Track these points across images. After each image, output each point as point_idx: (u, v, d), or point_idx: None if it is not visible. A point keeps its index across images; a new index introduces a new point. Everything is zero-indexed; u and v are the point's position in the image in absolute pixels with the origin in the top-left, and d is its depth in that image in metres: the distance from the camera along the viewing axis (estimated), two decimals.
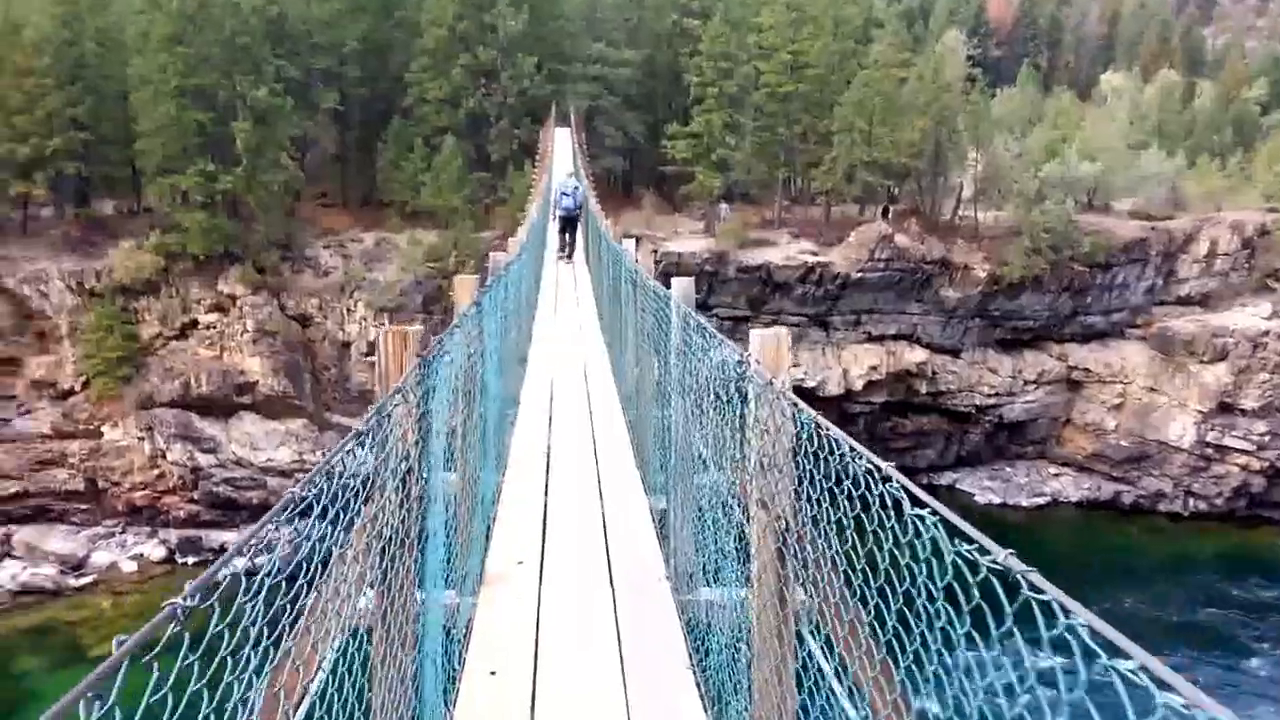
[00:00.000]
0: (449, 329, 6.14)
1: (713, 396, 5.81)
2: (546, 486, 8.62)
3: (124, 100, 44.39)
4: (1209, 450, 48.30)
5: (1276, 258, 51.38)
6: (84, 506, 39.50)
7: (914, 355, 49.62)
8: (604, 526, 7.69)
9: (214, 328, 41.69)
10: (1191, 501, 48.51)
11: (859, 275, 47.79)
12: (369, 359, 42.70)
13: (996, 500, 49.14)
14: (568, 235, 25.49)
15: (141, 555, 38.88)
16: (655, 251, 43.41)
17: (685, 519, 6.78)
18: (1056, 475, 51.26)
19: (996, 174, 52.51)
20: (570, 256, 25.52)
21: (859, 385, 48.34)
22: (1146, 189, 56.30)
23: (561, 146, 44.60)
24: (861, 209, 52.38)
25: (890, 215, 51.41)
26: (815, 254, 48.20)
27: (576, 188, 25.09)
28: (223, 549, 39.51)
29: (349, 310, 42.93)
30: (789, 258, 47.55)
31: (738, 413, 4.98)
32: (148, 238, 41.84)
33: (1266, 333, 47.88)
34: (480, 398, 7.82)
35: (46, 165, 41.64)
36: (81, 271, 40.79)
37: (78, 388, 40.51)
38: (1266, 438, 47.34)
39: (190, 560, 38.89)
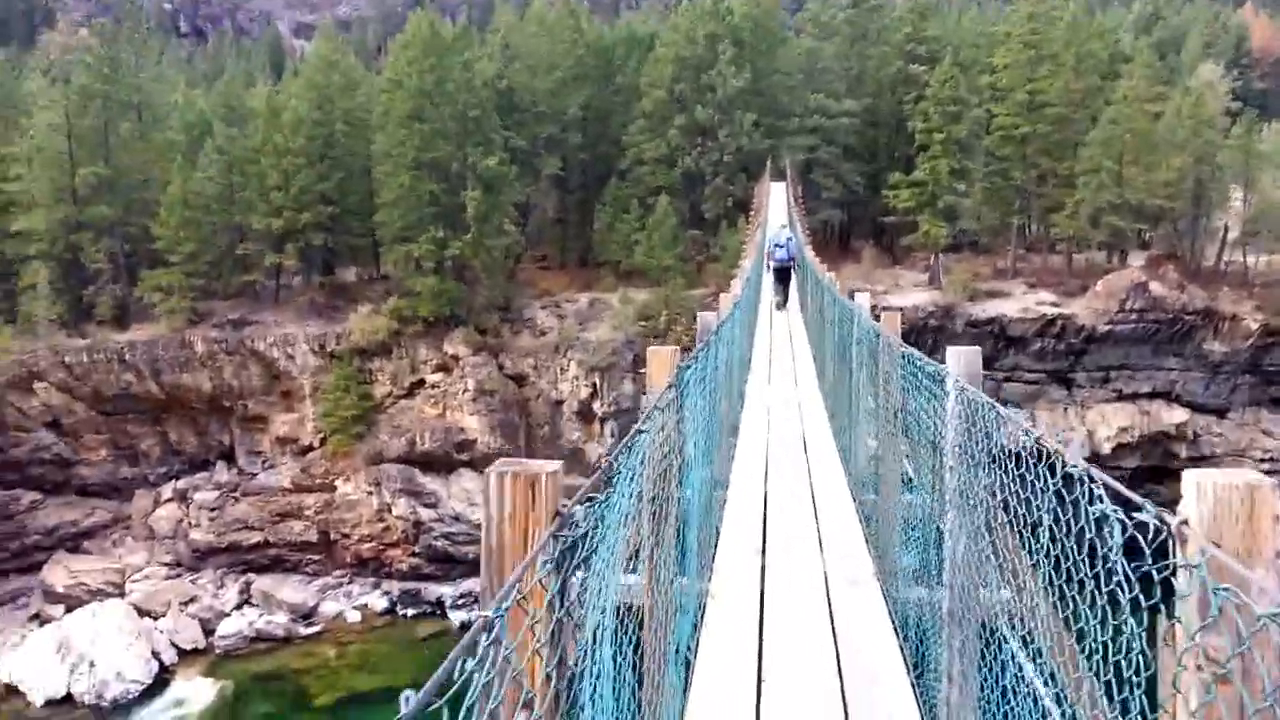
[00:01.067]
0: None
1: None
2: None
3: (367, 175, 47.18)
4: None
5: None
6: (316, 557, 41.21)
7: (1173, 415, 44.02)
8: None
9: (438, 387, 42.87)
10: None
11: (1107, 328, 43.06)
12: (580, 417, 42.51)
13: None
14: (782, 285, 25.27)
15: (365, 606, 39.96)
16: (875, 306, 40.84)
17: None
18: None
19: (1266, 214, 46.27)
20: (785, 306, 25.22)
21: (1107, 448, 43.24)
22: None
23: (776, 201, 43.18)
24: (1109, 256, 47.49)
25: (1145, 262, 46.24)
26: (1055, 305, 43.92)
27: (790, 238, 25.06)
28: (439, 602, 40.07)
29: (562, 369, 43.01)
30: (1025, 309, 43.55)
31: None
32: (384, 302, 43.83)
33: None
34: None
35: (297, 237, 44.65)
36: (324, 335, 43.16)
37: (316, 444, 42.63)
38: None
39: (409, 612, 39.59)
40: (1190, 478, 2.64)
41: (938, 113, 44.82)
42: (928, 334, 42.81)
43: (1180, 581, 2.37)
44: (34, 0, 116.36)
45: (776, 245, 24.56)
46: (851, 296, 13.70)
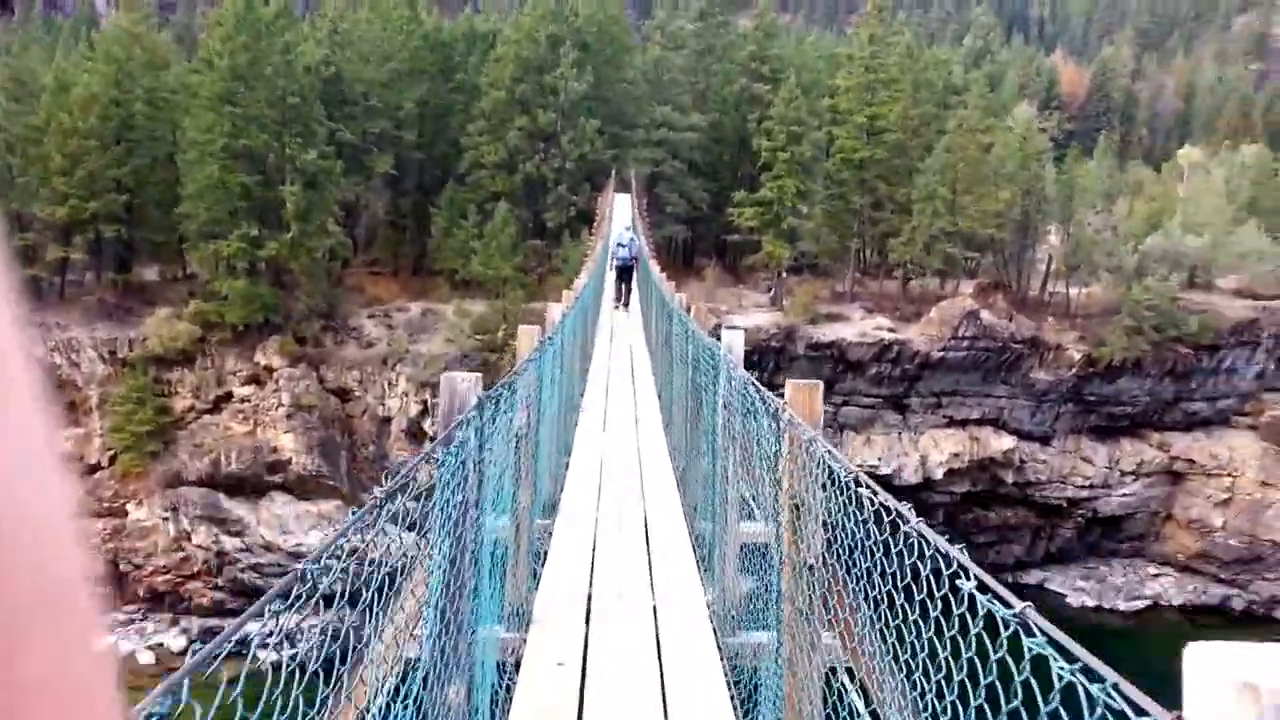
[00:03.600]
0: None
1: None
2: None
3: (172, 163, 41.80)
4: None
5: None
6: (103, 590, 35.79)
7: (1000, 442, 44.40)
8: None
9: (249, 401, 38.26)
10: None
11: (940, 354, 42.93)
12: (409, 435, 38.81)
13: (1090, 602, 43.46)
14: (624, 285, 25.80)
15: (161, 645, 35.02)
16: (718, 325, 39.10)
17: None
18: (1157, 576, 45.38)
19: (1082, 248, 47.53)
20: (626, 305, 25.62)
21: (939, 474, 43.17)
22: (1249, 266, 50.63)
23: (620, 213, 40.84)
24: (942, 283, 47.61)
25: (974, 290, 46.60)
26: (892, 330, 43.51)
27: (633, 239, 25.76)
28: (244, 642, 35.43)
29: (390, 384, 39.21)
30: (863, 334, 42.92)
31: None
32: (187, 305, 38.79)
33: None
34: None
35: (85, 228, 38.99)
36: (115, 340, 37.79)
37: (105, 463, 37.22)
38: None
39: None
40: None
41: (782, 132, 43.63)
42: (769, 355, 41.52)
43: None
44: None
45: (620, 245, 25.17)
46: (717, 332, 12.76)
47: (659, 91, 51.77)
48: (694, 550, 8.08)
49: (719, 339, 7.73)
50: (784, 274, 45.41)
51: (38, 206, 38.33)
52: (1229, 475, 45.02)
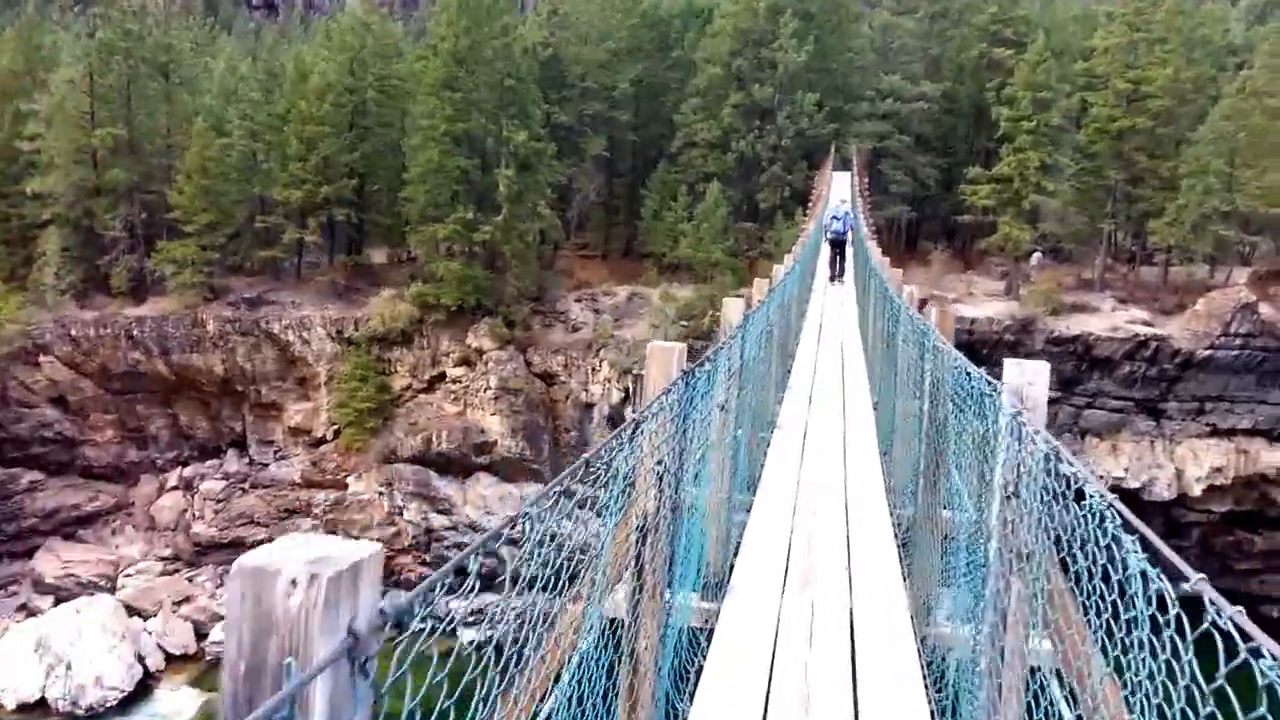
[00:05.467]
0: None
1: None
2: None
3: (400, 148, 41.82)
4: None
5: None
6: None
7: (1274, 457, 37.08)
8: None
9: (460, 382, 37.68)
10: None
11: (1207, 353, 36.24)
12: (610, 422, 36.94)
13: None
14: (839, 257, 25.00)
15: None
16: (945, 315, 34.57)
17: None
18: None
19: None
20: (841, 278, 24.75)
21: (1197, 490, 36.59)
22: None
23: (838, 192, 36.93)
24: (1212, 271, 40.36)
25: (1249, 279, 39.10)
26: (1148, 324, 37.17)
27: (848, 213, 24.70)
28: (449, 618, 35.08)
29: (594, 370, 37.47)
30: (1114, 328, 36.86)
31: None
32: (409, 287, 38.64)
33: None
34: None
35: (320, 212, 39.61)
36: (343, 320, 38.17)
37: (330, 436, 37.83)
38: None
39: (416, 626, 34.66)
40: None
41: (1027, 99, 37.91)
42: (1002, 349, 36.36)
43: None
44: None
45: (834, 218, 24.40)
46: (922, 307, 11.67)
47: (887, 60, 46.98)
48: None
49: (967, 351, 6.61)
50: (1026, 257, 39.81)
51: (277, 191, 39.23)
52: None
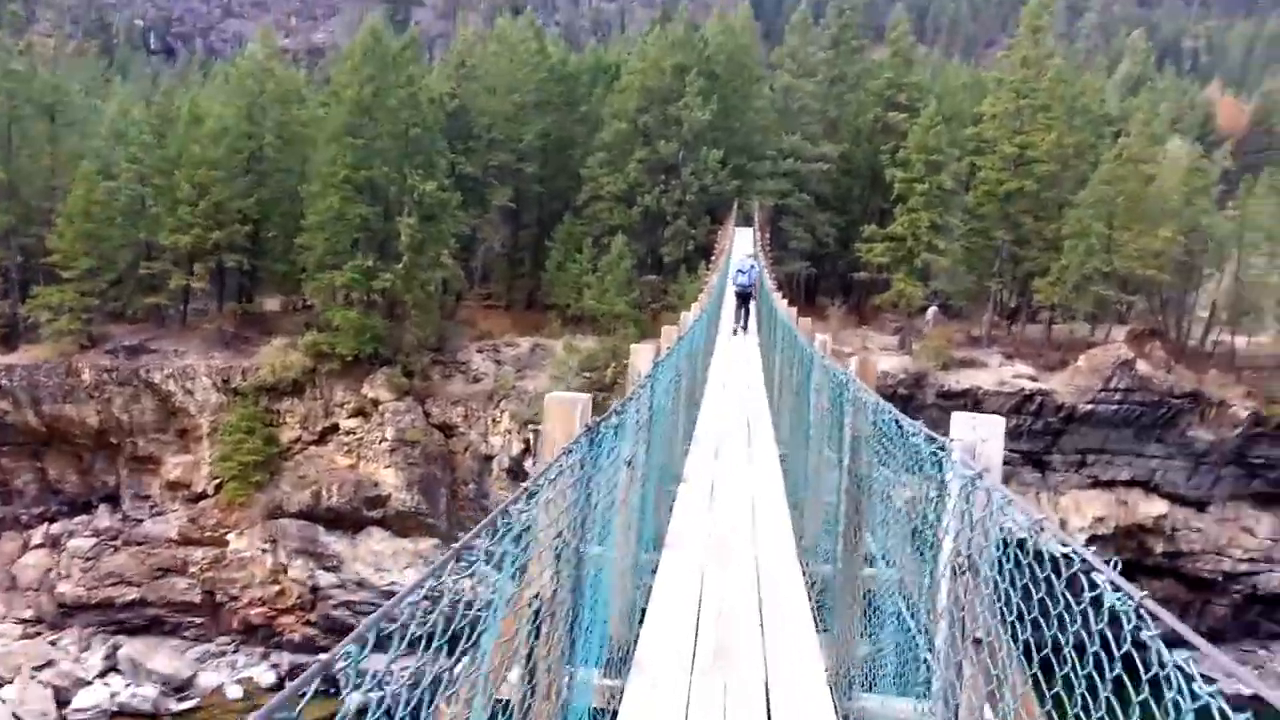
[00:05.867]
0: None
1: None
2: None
3: (299, 195, 40.62)
4: None
5: None
6: (198, 620, 34.38)
7: (1151, 507, 38.36)
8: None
9: (354, 434, 36.29)
10: None
11: (1089, 407, 37.39)
12: (510, 475, 36.00)
13: (1246, 691, 36.30)
14: (743, 310, 25.52)
15: (250, 679, 33.15)
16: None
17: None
18: None
19: (1249, 293, 40.96)
20: (745, 329, 25.29)
21: (1081, 539, 37.16)
22: None
23: (740, 248, 37.21)
24: (1092, 329, 41.87)
25: (1127, 337, 40.68)
26: (1034, 379, 38.20)
27: (753, 266, 25.04)
28: (333, 679, 33.25)
29: (494, 421, 36.57)
30: (1002, 382, 37.79)
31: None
32: (303, 336, 37.24)
33: None
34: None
35: (208, 257, 38.05)
36: (230, 369, 36.51)
37: (210, 491, 35.88)
38: None
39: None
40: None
41: (920, 161, 39.03)
42: (896, 402, 36.82)
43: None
44: None
45: (740, 270, 24.66)
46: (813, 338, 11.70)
47: (788, 121, 47.94)
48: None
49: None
50: (919, 313, 40.67)
51: (164, 236, 37.56)
52: None
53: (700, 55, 46.46)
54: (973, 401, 37.39)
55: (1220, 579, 38.56)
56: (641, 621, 6.64)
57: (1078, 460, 38.49)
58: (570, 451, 3.99)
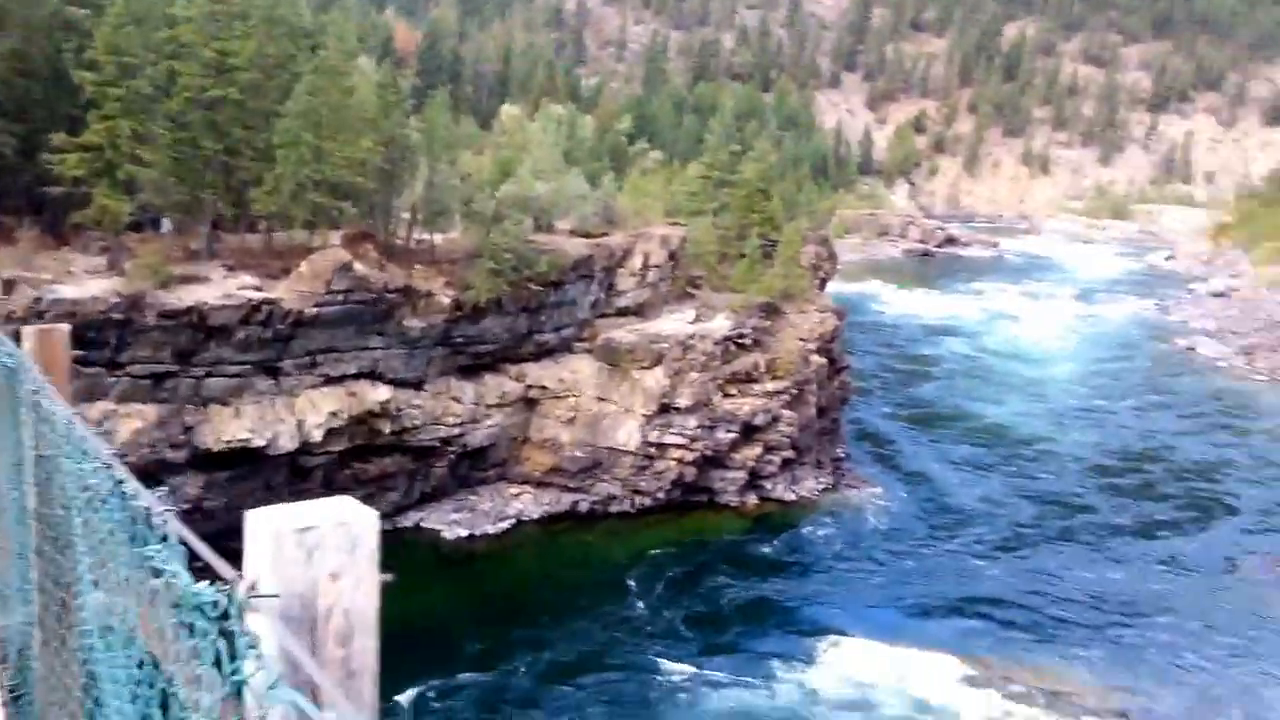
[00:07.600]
0: None
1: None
2: None
3: None
4: (651, 449, 47.73)
5: (693, 267, 53.49)
6: None
7: (377, 394, 41.93)
8: None
9: None
10: (638, 499, 47.59)
11: (315, 311, 38.76)
12: None
13: (464, 532, 43.56)
14: None
15: None
16: (39, 300, 30.17)
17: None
18: (518, 495, 47.35)
19: (438, 195, 46.78)
20: None
21: (318, 436, 39.28)
22: (577, 208, 54.95)
23: None
24: (311, 235, 43.11)
25: (342, 241, 42.98)
26: (259, 289, 38.07)
27: None
28: None
29: None
30: (228, 295, 36.79)
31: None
32: None
33: (692, 336, 48.74)
34: None
35: None
36: None
37: None
38: (697, 431, 48.01)
39: None
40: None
41: (110, 64, 34.70)
42: (111, 329, 33.57)
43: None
44: None
45: None
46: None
47: None
48: None
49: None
50: (124, 234, 36.91)
51: None
52: (573, 395, 48.44)
53: None
54: (199, 317, 35.84)
55: (438, 445, 44.26)
56: None
57: (309, 362, 39.83)
58: None
